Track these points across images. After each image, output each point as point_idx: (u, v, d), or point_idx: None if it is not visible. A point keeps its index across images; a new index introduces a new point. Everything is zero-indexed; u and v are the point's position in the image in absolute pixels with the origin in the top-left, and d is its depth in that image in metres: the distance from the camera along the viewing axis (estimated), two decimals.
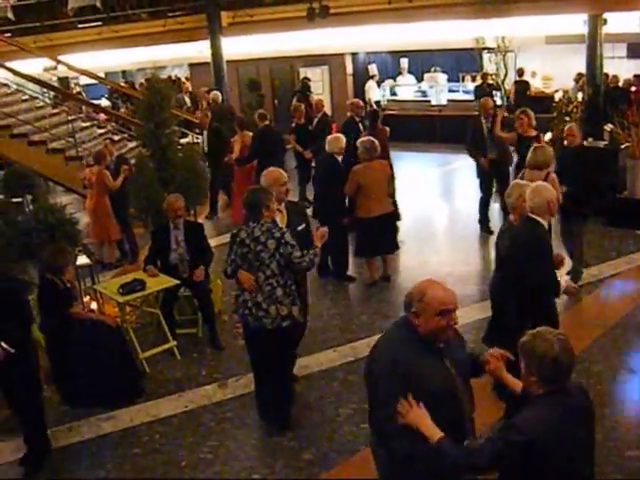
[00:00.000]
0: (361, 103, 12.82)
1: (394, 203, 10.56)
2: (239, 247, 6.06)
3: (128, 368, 7.34)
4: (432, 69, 20.43)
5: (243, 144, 12.75)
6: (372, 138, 9.65)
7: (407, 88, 20.80)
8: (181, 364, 7.89)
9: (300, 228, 6.65)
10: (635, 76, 15.92)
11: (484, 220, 11.42)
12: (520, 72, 17.84)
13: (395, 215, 10.45)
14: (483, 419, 3.82)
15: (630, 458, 5.70)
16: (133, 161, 10.95)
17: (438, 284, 3.72)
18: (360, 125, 12.27)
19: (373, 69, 21.20)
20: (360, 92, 20.82)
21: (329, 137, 9.93)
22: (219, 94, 16.40)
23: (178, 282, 8.05)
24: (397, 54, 21.37)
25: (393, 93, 21.03)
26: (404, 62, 20.89)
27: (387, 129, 11.98)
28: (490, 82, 17.27)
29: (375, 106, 18.26)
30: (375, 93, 20.54)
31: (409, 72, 21.24)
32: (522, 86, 17.72)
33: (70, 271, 7.28)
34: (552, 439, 3.24)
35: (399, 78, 20.98)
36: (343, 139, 9.72)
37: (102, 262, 11.10)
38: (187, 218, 8.81)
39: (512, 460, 3.28)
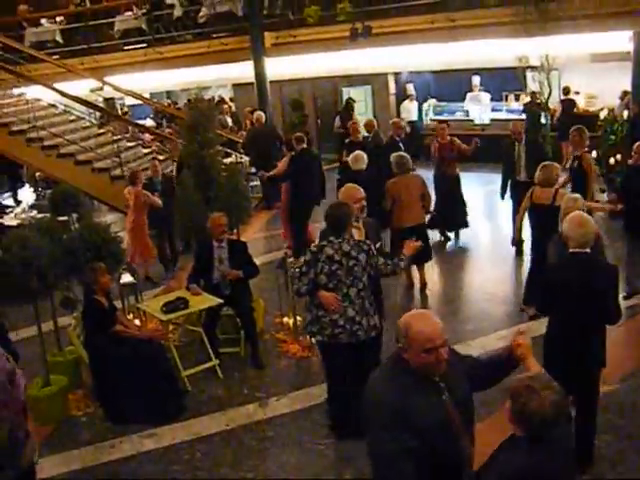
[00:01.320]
0: (402, 123, 12.82)
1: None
2: (326, 264, 6.02)
3: (170, 386, 7.38)
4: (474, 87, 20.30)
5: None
6: (403, 154, 10.24)
7: (481, 107, 20.37)
8: (223, 383, 7.90)
9: (377, 245, 6.52)
10: None
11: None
12: (566, 90, 17.68)
13: (428, 226, 10.81)
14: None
15: None
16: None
17: (424, 317, 3.57)
18: (401, 145, 12.26)
19: (410, 89, 21.21)
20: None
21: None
22: (263, 114, 16.48)
23: (221, 301, 8.08)
24: (444, 72, 21.32)
25: (436, 113, 20.99)
26: (476, 80, 20.47)
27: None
28: (537, 101, 17.14)
29: (408, 126, 18.33)
30: (411, 113, 20.51)
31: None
32: (568, 104, 17.57)
33: (102, 287, 7.38)
34: None
35: (470, 96, 20.76)
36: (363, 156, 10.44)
37: (148, 277, 11.32)
38: (231, 237, 8.87)
39: None
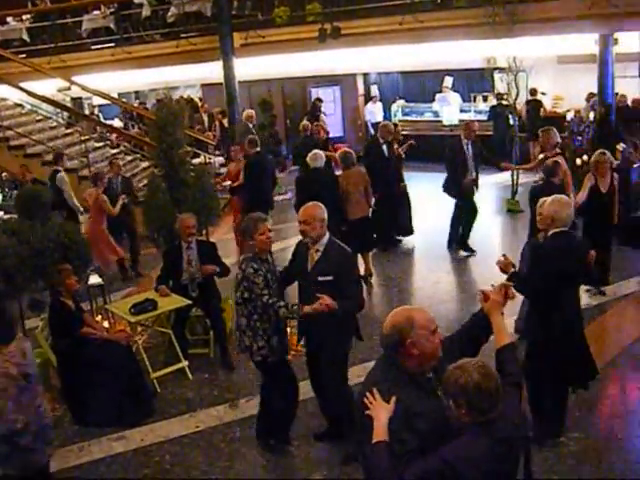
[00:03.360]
0: (391, 126, 12.72)
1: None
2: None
3: (139, 388, 7.34)
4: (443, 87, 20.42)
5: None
6: (349, 149, 11.19)
7: (450, 108, 20.35)
8: (192, 384, 7.87)
9: (322, 279, 5.81)
10: None
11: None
12: (532, 92, 17.85)
13: (372, 219, 11.13)
14: None
15: None
16: (145, 181, 11.01)
17: (413, 307, 3.74)
18: (384, 147, 12.13)
19: (374, 90, 21.36)
20: None
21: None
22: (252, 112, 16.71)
23: (190, 302, 8.06)
24: (412, 73, 21.44)
25: (405, 113, 21.06)
26: (448, 80, 20.52)
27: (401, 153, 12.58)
28: (504, 103, 17.29)
29: (372, 128, 18.47)
30: (374, 115, 20.65)
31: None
32: (534, 105, 17.73)
33: (68, 289, 7.32)
34: (473, 472, 3.21)
35: (439, 96, 20.80)
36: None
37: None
38: (200, 238, 8.84)
39: None
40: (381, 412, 3.41)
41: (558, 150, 10.02)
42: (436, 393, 3.58)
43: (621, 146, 13.13)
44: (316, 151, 10.84)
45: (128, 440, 6.78)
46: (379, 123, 19.60)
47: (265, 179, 12.18)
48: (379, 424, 3.38)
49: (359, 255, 10.05)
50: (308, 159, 10.72)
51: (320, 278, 5.78)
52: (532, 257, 6.25)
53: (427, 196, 13.78)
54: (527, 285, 5.71)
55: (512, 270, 5.59)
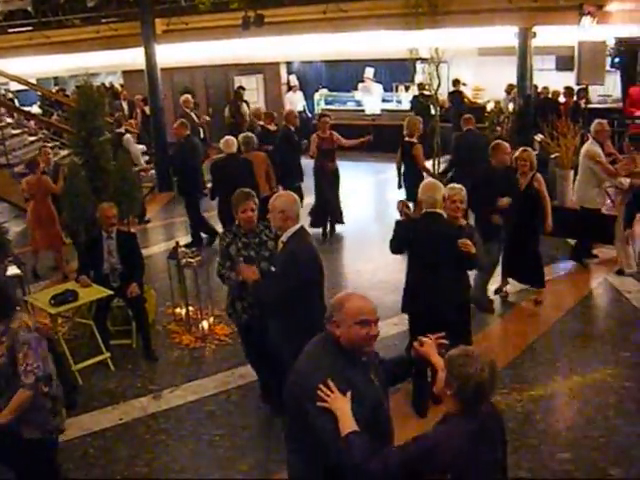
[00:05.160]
0: (296, 113, 12.96)
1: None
2: None
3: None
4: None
5: None
6: (250, 134, 11.74)
7: (373, 98, 20.54)
8: (115, 376, 7.76)
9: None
10: (565, 88, 16.30)
11: None
12: (455, 82, 18.12)
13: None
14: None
15: (562, 461, 5.85)
16: (65, 170, 10.78)
17: (357, 295, 3.73)
18: (293, 134, 12.46)
19: (293, 80, 21.48)
20: None
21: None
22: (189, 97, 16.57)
23: (111, 292, 7.94)
24: (335, 63, 21.53)
25: (328, 102, 21.13)
26: (369, 71, 20.66)
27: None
28: (426, 93, 17.50)
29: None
30: (295, 104, 20.62)
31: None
32: (458, 96, 17.99)
33: None
34: (457, 461, 3.26)
35: (361, 86, 20.90)
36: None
37: (35, 272, 10.93)
38: (120, 228, 8.70)
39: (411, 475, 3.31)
40: (341, 403, 3.41)
41: None
42: (369, 377, 3.65)
43: (539, 137, 13.45)
44: (228, 137, 11.06)
45: None
46: (300, 112, 19.85)
47: (197, 162, 12.21)
48: (344, 415, 3.39)
49: None
50: (221, 145, 10.91)
51: (272, 269, 5.95)
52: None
53: (349, 185, 13.86)
54: None
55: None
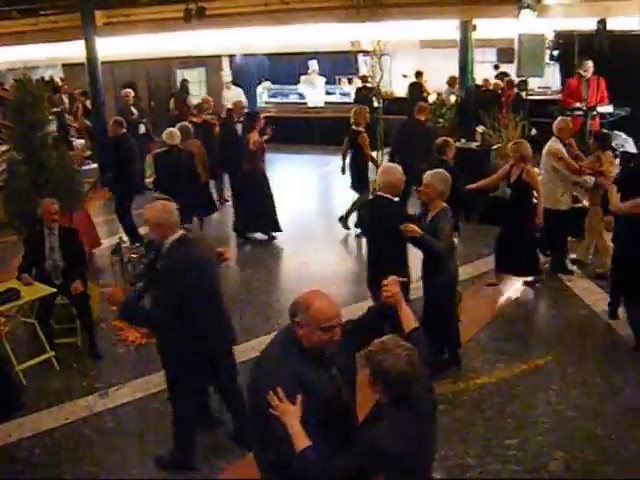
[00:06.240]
0: (242, 104, 13.09)
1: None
2: None
3: (3, 381, 7.06)
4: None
5: None
6: (187, 124, 12.24)
7: (315, 90, 20.55)
8: (60, 375, 7.63)
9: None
10: (501, 73, 16.56)
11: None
12: (417, 74, 18.24)
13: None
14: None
15: (509, 447, 5.96)
16: (4, 166, 10.60)
17: (325, 297, 3.67)
18: (237, 127, 12.63)
19: (225, 76, 21.54)
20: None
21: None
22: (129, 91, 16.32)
23: (54, 290, 7.81)
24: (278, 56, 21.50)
25: (271, 95, 21.10)
26: (313, 64, 20.56)
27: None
28: (369, 85, 17.57)
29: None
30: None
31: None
32: (418, 88, 18.11)
33: None
34: (402, 452, 3.29)
35: (304, 79, 20.86)
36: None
37: None
38: (62, 224, 8.56)
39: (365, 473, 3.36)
40: (290, 417, 3.38)
41: None
42: (331, 374, 3.67)
43: (481, 128, 13.63)
44: (171, 129, 11.09)
45: None
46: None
47: (134, 160, 11.96)
48: (295, 431, 3.36)
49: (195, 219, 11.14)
50: (164, 137, 10.90)
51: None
52: None
53: (293, 177, 13.88)
54: None
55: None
